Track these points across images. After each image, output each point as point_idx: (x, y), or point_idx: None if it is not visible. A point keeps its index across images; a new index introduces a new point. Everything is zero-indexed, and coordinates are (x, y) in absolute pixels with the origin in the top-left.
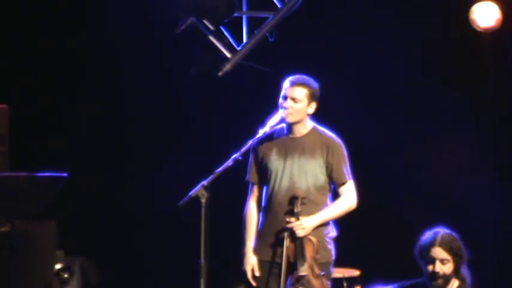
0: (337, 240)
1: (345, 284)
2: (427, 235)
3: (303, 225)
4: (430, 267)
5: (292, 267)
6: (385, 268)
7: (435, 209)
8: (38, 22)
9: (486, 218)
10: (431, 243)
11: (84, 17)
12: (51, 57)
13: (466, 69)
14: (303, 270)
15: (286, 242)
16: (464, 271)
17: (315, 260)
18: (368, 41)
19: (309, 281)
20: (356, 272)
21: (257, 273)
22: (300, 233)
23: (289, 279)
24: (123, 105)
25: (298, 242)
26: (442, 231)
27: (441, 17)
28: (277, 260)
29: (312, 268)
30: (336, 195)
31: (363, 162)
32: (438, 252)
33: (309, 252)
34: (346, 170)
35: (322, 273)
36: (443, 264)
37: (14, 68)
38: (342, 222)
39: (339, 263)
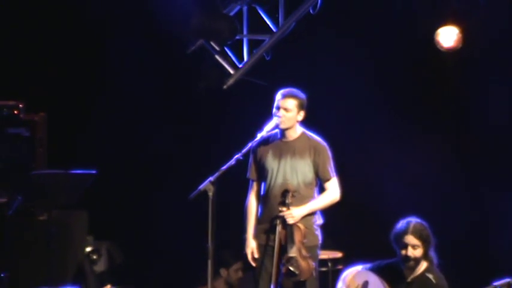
0: (323, 227)
1: (329, 264)
2: (401, 224)
3: (293, 214)
4: (403, 252)
5: (284, 250)
6: (364, 250)
7: (408, 201)
8: (65, 47)
9: (452, 209)
10: (404, 231)
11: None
12: (81, 74)
13: (432, 82)
14: (292, 252)
15: (279, 228)
16: (432, 254)
17: (303, 243)
18: (347, 59)
19: (297, 261)
20: (339, 254)
21: (256, 256)
22: (289, 220)
23: (281, 260)
24: (143, 113)
25: (288, 228)
26: (414, 220)
27: (410, 40)
28: (271, 243)
29: (299, 250)
30: (322, 190)
31: (346, 161)
32: (410, 239)
33: (297, 237)
34: (331, 168)
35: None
36: (414, 249)
37: (51, 80)
38: (328, 211)
39: (325, 246)
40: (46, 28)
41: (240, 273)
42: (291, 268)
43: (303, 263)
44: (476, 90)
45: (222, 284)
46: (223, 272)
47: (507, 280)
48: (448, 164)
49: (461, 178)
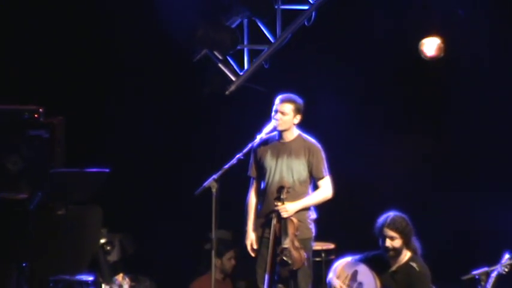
0: (317, 221)
1: (322, 255)
2: (381, 218)
3: (287, 208)
4: (384, 243)
5: (278, 241)
6: (354, 242)
7: (395, 197)
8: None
9: (434, 203)
10: (383, 224)
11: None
12: (96, 81)
13: (416, 88)
14: (286, 244)
15: (274, 222)
16: (416, 244)
17: (295, 236)
18: (339, 67)
19: (290, 252)
20: (331, 246)
21: (255, 247)
22: (284, 214)
23: (276, 250)
24: (153, 116)
25: (282, 221)
26: (392, 214)
27: (397, 49)
28: (267, 235)
29: (293, 242)
30: (316, 187)
31: (339, 160)
32: (388, 231)
33: (290, 229)
34: (324, 168)
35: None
36: (392, 240)
37: (69, 86)
38: (322, 206)
39: (318, 238)
40: (64, 41)
41: (232, 261)
42: (284, 258)
43: (295, 254)
44: (458, 95)
45: (218, 273)
46: (216, 261)
47: (485, 269)
48: (432, 163)
49: (444, 176)
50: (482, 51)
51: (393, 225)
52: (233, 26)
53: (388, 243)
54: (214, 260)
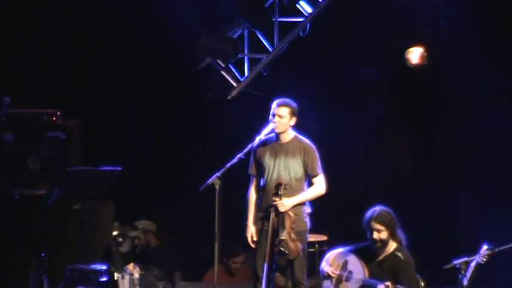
0: (312, 215)
1: (316, 246)
2: (369, 212)
3: (284, 203)
4: (371, 235)
5: (276, 234)
6: (345, 235)
7: (383, 192)
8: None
9: (413, 199)
10: (370, 218)
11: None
12: (109, 88)
13: (403, 93)
14: (283, 236)
15: (272, 215)
16: (401, 235)
17: (292, 229)
18: (333, 72)
19: (287, 243)
20: (324, 237)
21: (255, 238)
22: (281, 209)
23: (274, 242)
24: (161, 119)
25: (280, 215)
26: (378, 208)
27: (385, 56)
28: (266, 228)
29: (289, 234)
30: (311, 184)
31: (331, 160)
32: (374, 224)
33: (287, 223)
34: (318, 166)
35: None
36: (379, 233)
37: (84, 92)
38: (317, 202)
39: (313, 231)
40: (81, 52)
41: (238, 265)
42: (282, 249)
43: (291, 245)
44: (440, 98)
45: (223, 268)
46: (225, 259)
47: (465, 259)
48: (415, 162)
49: (427, 173)
50: (461, 58)
51: (379, 219)
52: (234, 36)
53: (375, 235)
54: (217, 252)
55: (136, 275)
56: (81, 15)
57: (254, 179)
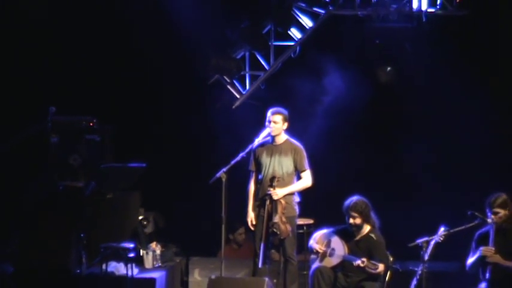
0: (301, 203)
1: (304, 228)
2: (347, 201)
3: (277, 193)
4: (348, 220)
5: (270, 218)
6: (329, 219)
7: (356, 184)
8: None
9: (384, 190)
10: (347, 207)
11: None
12: (138, 98)
13: (375, 107)
14: (276, 219)
15: (267, 203)
16: (375, 219)
17: (283, 213)
18: (318, 87)
19: (278, 225)
20: (311, 221)
21: (254, 223)
22: (274, 197)
23: (268, 224)
24: (178, 124)
25: (274, 203)
26: (355, 198)
27: (359, 74)
28: (262, 214)
29: (280, 218)
30: (300, 178)
31: (317, 158)
32: (351, 212)
33: (279, 209)
34: (305, 163)
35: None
36: (354, 219)
37: (117, 101)
38: (305, 192)
39: (301, 215)
40: (114, 68)
41: (243, 236)
42: (274, 230)
43: (282, 227)
44: (408, 112)
45: (234, 244)
46: (231, 236)
47: (426, 238)
48: (385, 161)
49: (394, 171)
50: (425, 78)
51: (354, 208)
52: (238, 57)
53: (351, 220)
54: (224, 234)
55: (158, 252)
56: (108, 46)
57: (253, 174)
